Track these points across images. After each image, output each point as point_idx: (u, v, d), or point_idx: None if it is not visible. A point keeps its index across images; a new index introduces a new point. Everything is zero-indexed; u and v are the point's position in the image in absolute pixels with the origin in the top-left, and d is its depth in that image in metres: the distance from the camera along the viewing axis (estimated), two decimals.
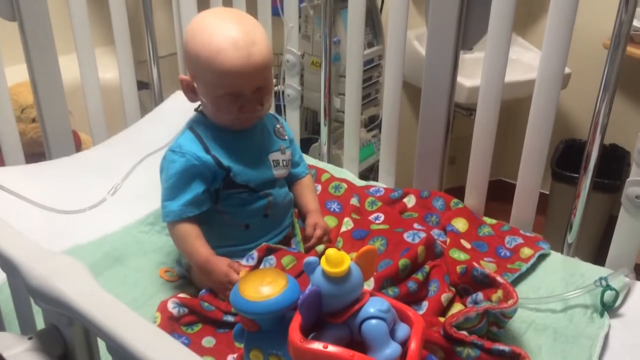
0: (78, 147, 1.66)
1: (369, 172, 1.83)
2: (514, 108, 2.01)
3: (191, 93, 1.02)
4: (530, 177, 1.18)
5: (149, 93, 1.75)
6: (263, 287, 0.78)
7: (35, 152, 1.60)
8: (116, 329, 0.57)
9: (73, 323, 0.64)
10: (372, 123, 1.87)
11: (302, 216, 1.12)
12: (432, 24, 1.19)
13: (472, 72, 1.70)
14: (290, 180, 1.13)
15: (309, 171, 1.19)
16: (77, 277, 0.64)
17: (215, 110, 0.99)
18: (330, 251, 0.76)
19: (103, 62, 1.68)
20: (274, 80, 1.06)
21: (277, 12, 1.49)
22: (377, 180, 1.42)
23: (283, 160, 1.08)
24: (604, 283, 0.95)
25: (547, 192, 2.05)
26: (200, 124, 1.03)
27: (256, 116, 1.01)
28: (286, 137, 1.12)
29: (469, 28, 1.17)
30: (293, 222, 1.11)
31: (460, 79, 1.77)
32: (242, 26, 0.95)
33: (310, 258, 0.79)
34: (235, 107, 0.97)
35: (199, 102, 1.04)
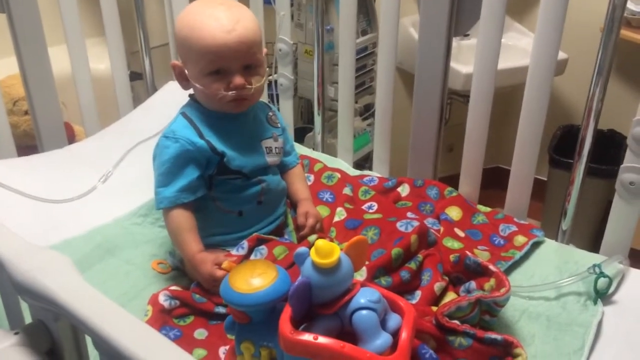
0: (72, 139, 1.66)
1: (365, 161, 1.83)
2: (511, 94, 1.99)
3: (184, 80, 1.02)
4: (524, 163, 1.17)
5: (143, 83, 1.74)
6: (253, 278, 0.78)
7: (29, 145, 1.59)
8: (101, 325, 0.57)
9: (59, 318, 0.63)
10: (367, 111, 1.86)
11: (294, 205, 1.12)
12: (425, 11, 1.18)
13: (469, 59, 1.68)
14: (281, 170, 1.12)
15: (299, 161, 1.18)
16: (62, 272, 0.63)
17: (205, 93, 0.99)
18: (320, 242, 0.75)
19: (96, 53, 1.67)
20: (267, 70, 1.04)
21: (269, 0, 1.47)
22: (372, 169, 1.41)
23: (275, 148, 1.08)
24: (597, 270, 0.95)
25: (545, 179, 2.05)
26: (193, 110, 1.03)
27: (246, 97, 0.99)
28: (279, 125, 1.11)
29: (461, 14, 1.15)
30: (286, 212, 1.11)
31: (457, 65, 1.76)
32: (227, 7, 0.97)
33: (301, 249, 0.78)
34: (222, 85, 0.97)
35: (192, 90, 1.03)
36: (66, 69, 1.48)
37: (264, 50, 1.03)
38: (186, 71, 1.00)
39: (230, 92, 0.97)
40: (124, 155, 1.31)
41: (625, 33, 1.80)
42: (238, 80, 0.96)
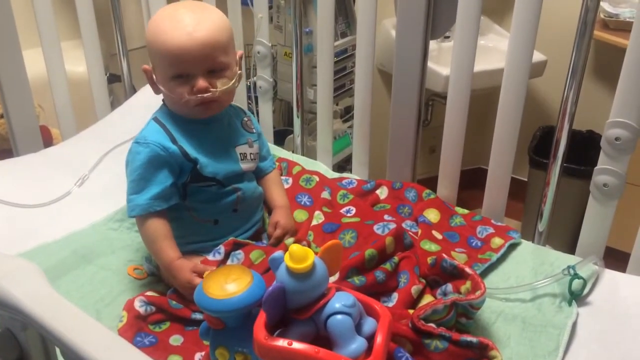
0: (49, 142, 1.64)
1: (347, 163, 1.83)
2: (492, 96, 2.00)
3: (154, 85, 1.01)
4: (501, 164, 1.17)
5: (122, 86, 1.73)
6: (228, 284, 0.77)
7: (5, 149, 1.57)
8: (68, 334, 0.56)
9: (27, 327, 0.62)
10: (347, 114, 1.86)
11: (270, 212, 1.11)
12: (401, 13, 1.18)
13: (450, 61, 1.70)
14: (257, 175, 1.12)
15: (276, 166, 1.18)
16: (29, 280, 0.62)
17: (170, 97, 0.98)
18: (294, 247, 0.75)
19: (74, 55, 1.65)
20: (240, 72, 1.03)
21: (247, 2, 1.47)
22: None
23: (250, 154, 1.07)
24: (571, 272, 0.95)
25: (526, 179, 2.06)
26: (165, 115, 1.02)
27: (212, 100, 0.97)
28: (254, 131, 1.11)
29: (437, 17, 1.16)
30: (263, 217, 1.10)
31: (437, 67, 1.77)
32: (190, 9, 0.96)
33: (275, 254, 0.78)
34: (186, 89, 0.95)
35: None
36: (44, 72, 1.46)
37: (239, 52, 1.02)
38: (154, 76, 0.99)
39: (193, 97, 0.96)
40: (100, 159, 1.30)
41: (604, 35, 1.81)
42: (201, 83, 0.95)
